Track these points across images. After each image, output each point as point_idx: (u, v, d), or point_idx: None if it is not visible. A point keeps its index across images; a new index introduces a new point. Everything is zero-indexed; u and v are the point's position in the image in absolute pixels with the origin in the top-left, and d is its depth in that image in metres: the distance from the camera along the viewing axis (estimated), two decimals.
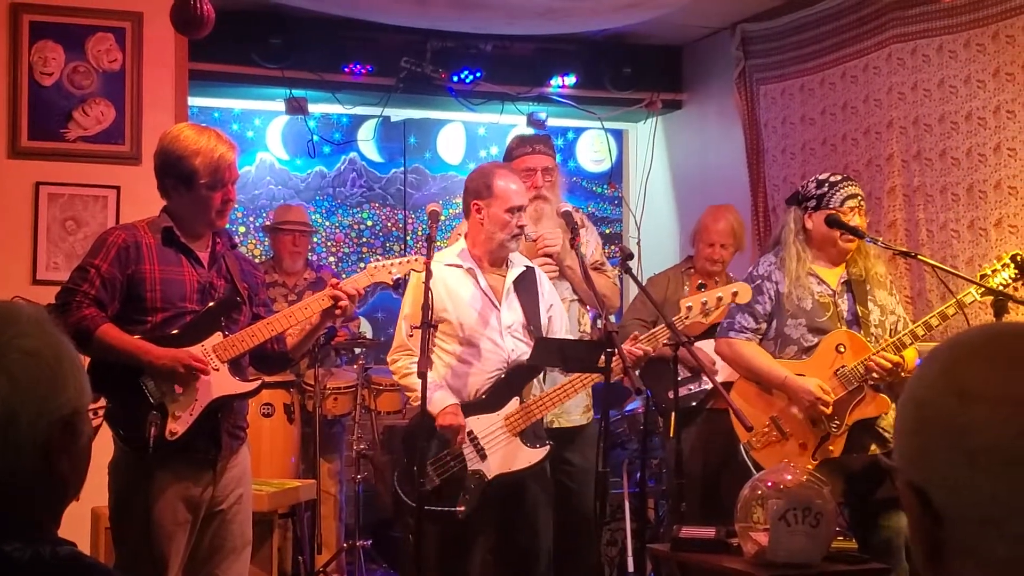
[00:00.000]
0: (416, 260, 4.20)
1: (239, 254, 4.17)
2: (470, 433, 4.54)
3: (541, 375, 4.74)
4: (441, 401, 4.52)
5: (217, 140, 3.89)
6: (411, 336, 4.56)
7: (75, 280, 3.76)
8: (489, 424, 4.53)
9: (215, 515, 3.91)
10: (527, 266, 4.82)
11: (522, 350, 4.65)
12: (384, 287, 4.29)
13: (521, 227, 4.70)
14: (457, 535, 4.60)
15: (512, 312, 4.70)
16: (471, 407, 4.57)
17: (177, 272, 3.85)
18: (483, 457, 4.51)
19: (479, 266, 4.69)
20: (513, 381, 4.61)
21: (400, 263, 4.15)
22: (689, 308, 4.46)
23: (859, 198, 4.64)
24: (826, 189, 4.64)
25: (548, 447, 4.63)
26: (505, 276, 4.73)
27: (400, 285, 4.28)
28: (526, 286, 4.78)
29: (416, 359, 4.43)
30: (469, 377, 4.62)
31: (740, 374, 4.80)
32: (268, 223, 7.31)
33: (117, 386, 3.74)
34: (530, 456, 4.58)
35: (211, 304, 3.88)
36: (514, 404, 4.58)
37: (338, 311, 3.97)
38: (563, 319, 4.88)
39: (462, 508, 4.49)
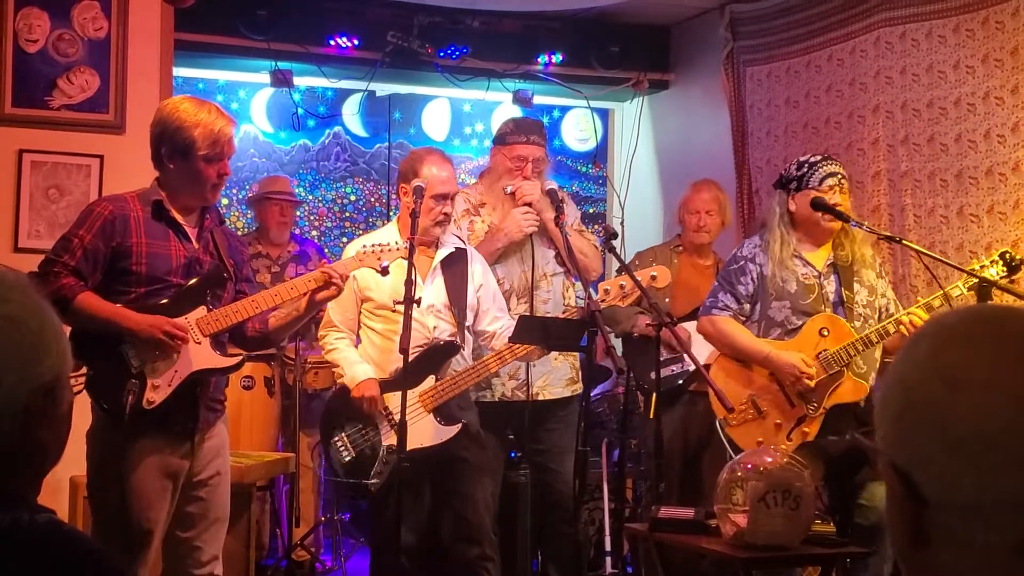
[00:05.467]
0: (402, 248, 4.19)
1: (227, 230, 4.16)
2: (385, 408, 4.62)
3: (460, 354, 4.80)
4: (360, 374, 4.64)
5: (218, 114, 3.89)
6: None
7: (57, 250, 3.75)
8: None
9: (194, 486, 3.91)
10: (458, 247, 4.87)
11: (444, 328, 4.74)
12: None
13: (446, 214, 4.78)
14: (384, 508, 4.64)
15: (435, 291, 4.76)
16: (388, 383, 4.65)
17: (164, 246, 3.83)
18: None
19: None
20: (431, 359, 4.69)
21: (390, 250, 4.15)
22: (607, 291, 4.60)
23: (839, 176, 4.65)
24: (806, 170, 4.67)
25: (459, 426, 4.70)
26: (433, 256, 4.80)
27: (387, 271, 4.26)
28: (455, 266, 4.84)
29: (341, 336, 4.76)
30: (391, 354, 4.68)
31: (722, 352, 4.81)
32: (252, 195, 7.28)
33: (97, 354, 3.73)
34: (440, 433, 4.66)
35: (197, 278, 3.86)
36: (429, 382, 4.66)
37: (333, 289, 3.94)
38: (496, 300, 4.95)
39: (375, 481, 4.57)
